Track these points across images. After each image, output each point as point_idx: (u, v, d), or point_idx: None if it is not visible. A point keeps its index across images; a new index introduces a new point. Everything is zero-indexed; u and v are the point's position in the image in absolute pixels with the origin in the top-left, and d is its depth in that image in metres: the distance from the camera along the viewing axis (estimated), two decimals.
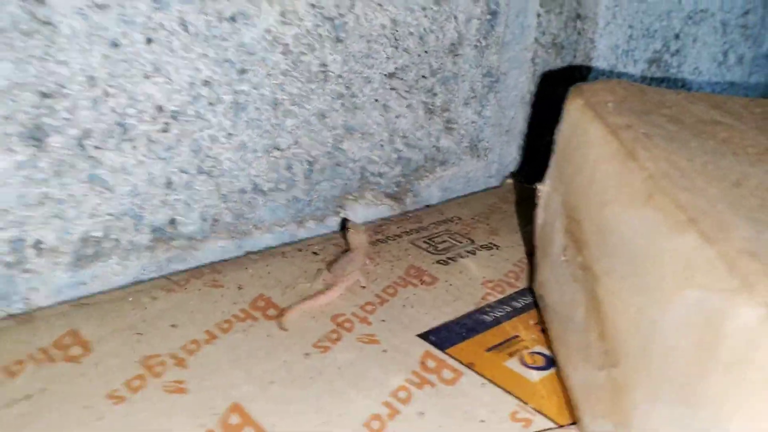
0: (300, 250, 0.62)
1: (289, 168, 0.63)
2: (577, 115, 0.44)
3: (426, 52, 0.68)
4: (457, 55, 0.71)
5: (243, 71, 0.56)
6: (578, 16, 0.80)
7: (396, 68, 0.67)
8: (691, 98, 0.47)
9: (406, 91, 0.68)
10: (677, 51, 0.93)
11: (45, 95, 0.48)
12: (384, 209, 0.72)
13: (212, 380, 0.44)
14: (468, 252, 0.62)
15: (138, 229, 0.55)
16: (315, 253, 0.61)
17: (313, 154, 0.64)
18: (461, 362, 0.46)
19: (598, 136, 0.39)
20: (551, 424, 0.41)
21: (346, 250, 0.61)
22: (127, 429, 0.40)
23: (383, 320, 0.51)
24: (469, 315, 0.52)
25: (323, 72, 0.61)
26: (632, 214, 0.33)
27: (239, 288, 0.55)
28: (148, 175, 0.54)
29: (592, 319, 0.38)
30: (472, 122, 0.76)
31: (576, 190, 0.42)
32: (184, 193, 0.57)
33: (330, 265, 0.58)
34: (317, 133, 0.63)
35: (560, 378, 0.44)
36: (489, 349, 0.48)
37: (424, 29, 0.67)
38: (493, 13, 0.72)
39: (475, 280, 0.58)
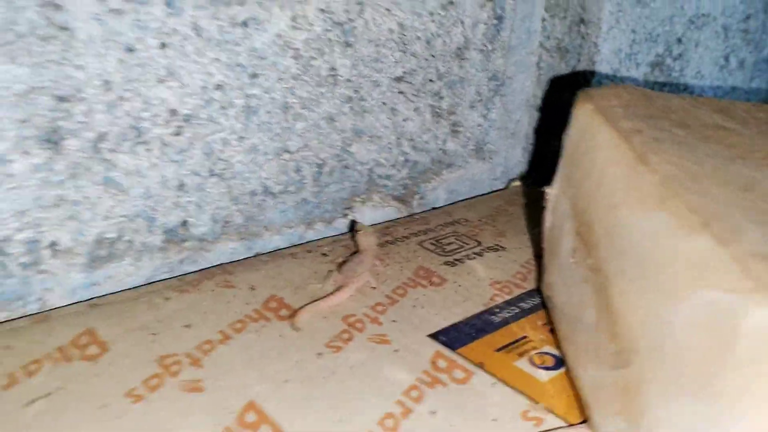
0: (309, 252, 0.63)
1: (298, 170, 0.63)
2: (585, 120, 0.45)
3: (433, 56, 0.69)
4: (463, 59, 0.72)
5: (254, 75, 0.57)
6: (582, 21, 0.81)
7: (404, 72, 0.67)
8: (695, 103, 0.48)
9: (414, 95, 0.69)
10: (679, 55, 0.94)
11: (61, 99, 0.49)
12: (391, 211, 0.73)
13: (228, 379, 0.45)
14: (475, 254, 0.63)
15: (151, 231, 0.56)
16: (324, 255, 0.62)
17: (322, 156, 0.65)
18: (472, 362, 0.47)
19: (608, 140, 0.40)
20: (562, 423, 0.42)
21: (356, 251, 0.61)
22: (147, 427, 0.40)
23: (394, 320, 0.52)
24: (477, 315, 0.53)
25: (333, 76, 0.62)
26: (644, 216, 0.33)
27: (251, 289, 0.55)
28: (161, 177, 0.55)
29: (602, 319, 0.39)
30: (478, 125, 0.77)
31: (585, 193, 0.43)
32: (195, 196, 0.58)
33: (340, 266, 0.58)
34: (326, 136, 0.64)
35: (569, 377, 0.45)
36: (498, 350, 0.49)
37: (432, 34, 0.68)
38: (499, 18, 0.73)
39: (483, 281, 0.58)
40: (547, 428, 0.41)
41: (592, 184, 0.42)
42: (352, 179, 0.68)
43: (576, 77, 0.84)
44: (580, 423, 0.41)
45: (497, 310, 0.54)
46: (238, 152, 0.59)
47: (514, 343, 0.50)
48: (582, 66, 0.84)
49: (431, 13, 0.67)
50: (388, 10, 0.63)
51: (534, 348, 0.49)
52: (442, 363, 0.47)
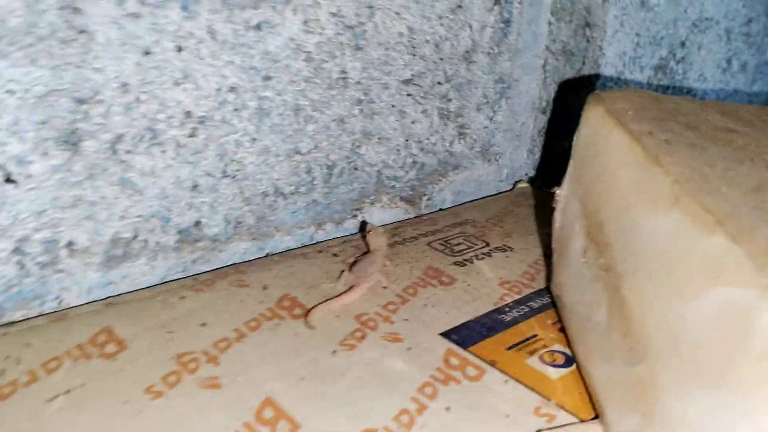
0: (320, 252, 0.63)
1: (309, 172, 0.64)
2: (596, 122, 0.46)
3: (441, 59, 0.70)
4: (471, 62, 0.73)
5: (267, 78, 0.58)
6: (587, 25, 0.82)
7: (412, 75, 0.68)
8: (703, 106, 0.49)
9: (422, 97, 0.70)
10: (683, 58, 0.95)
11: (80, 101, 0.49)
12: (399, 212, 0.73)
13: (244, 376, 0.45)
14: (483, 254, 0.64)
15: (165, 231, 0.57)
16: (335, 255, 0.63)
17: (332, 158, 0.65)
18: (484, 360, 0.48)
19: (620, 142, 0.41)
20: (574, 419, 0.43)
21: (366, 251, 0.62)
22: (167, 422, 0.41)
23: (405, 319, 0.53)
24: (488, 315, 0.54)
25: (343, 79, 0.63)
26: (658, 216, 0.34)
27: (264, 288, 0.56)
28: (176, 178, 0.56)
29: (614, 317, 0.40)
30: (484, 127, 0.78)
31: (597, 194, 0.44)
32: (209, 196, 0.58)
33: (351, 266, 0.59)
34: (336, 138, 0.65)
35: (580, 375, 0.46)
36: (509, 348, 0.50)
37: (440, 37, 0.69)
38: (506, 22, 0.74)
39: (492, 281, 0.59)
40: (560, 424, 0.42)
41: (604, 185, 0.43)
42: (361, 180, 0.69)
43: (581, 80, 0.85)
44: (592, 419, 0.42)
45: (507, 309, 0.55)
46: (251, 153, 0.60)
47: (524, 341, 0.51)
48: (587, 69, 0.85)
49: (440, 17, 0.68)
50: (397, 13, 0.64)
51: (544, 346, 0.50)
52: (454, 361, 0.48)
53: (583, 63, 0.85)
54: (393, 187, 0.71)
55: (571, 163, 0.50)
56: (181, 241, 0.58)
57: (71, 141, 0.50)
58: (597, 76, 0.86)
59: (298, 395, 0.44)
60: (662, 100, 0.48)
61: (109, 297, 0.55)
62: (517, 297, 0.57)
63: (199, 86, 0.55)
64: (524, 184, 0.83)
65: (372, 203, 0.70)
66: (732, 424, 0.28)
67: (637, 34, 0.88)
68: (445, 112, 0.73)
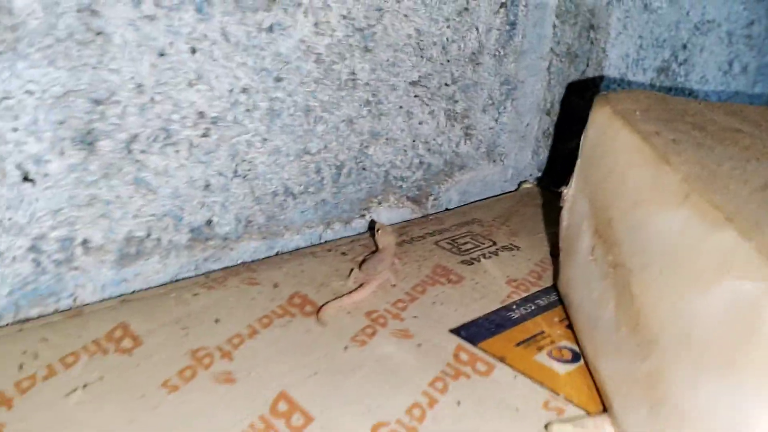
0: (329, 251, 0.64)
1: (318, 172, 0.65)
2: (603, 123, 0.47)
3: (448, 60, 0.71)
4: (477, 64, 0.73)
5: (278, 79, 0.59)
6: (591, 27, 0.83)
7: (420, 76, 0.69)
8: (709, 107, 0.50)
9: (429, 98, 0.71)
10: (685, 60, 0.96)
11: (97, 102, 0.50)
12: (405, 212, 0.74)
13: (258, 371, 0.46)
14: (491, 253, 0.65)
15: (177, 230, 0.58)
16: (344, 254, 0.64)
17: (340, 158, 0.66)
18: (493, 356, 0.49)
19: (629, 142, 0.42)
20: (582, 413, 0.43)
21: (375, 250, 0.63)
22: (184, 415, 0.42)
23: (415, 316, 0.54)
24: (496, 312, 0.55)
25: (352, 80, 0.64)
26: (668, 213, 0.35)
27: (274, 286, 0.57)
28: (189, 177, 0.57)
29: (623, 313, 0.41)
30: (490, 128, 0.79)
31: (605, 193, 0.45)
32: (221, 196, 0.59)
33: (360, 264, 0.60)
34: (345, 138, 0.66)
35: (588, 370, 0.47)
36: (518, 344, 0.51)
37: (447, 39, 0.70)
38: (512, 24, 0.75)
39: (499, 279, 0.60)
40: (569, 417, 0.43)
41: (612, 184, 0.44)
42: (369, 180, 0.70)
43: (585, 82, 0.86)
44: (600, 413, 0.43)
45: (514, 306, 0.56)
46: (262, 154, 0.61)
47: (532, 338, 0.52)
48: (591, 71, 0.86)
49: (447, 19, 0.69)
50: (406, 16, 0.65)
51: (552, 343, 0.51)
52: (464, 356, 0.49)
53: (587, 65, 0.86)
54: (400, 187, 0.72)
55: (579, 162, 0.51)
56: (193, 240, 0.59)
57: (87, 141, 0.51)
58: (600, 78, 0.87)
59: (311, 389, 0.45)
60: (668, 101, 0.49)
61: (123, 294, 0.56)
62: (524, 295, 0.58)
63: (212, 87, 0.55)
64: (529, 185, 0.84)
65: (379, 203, 0.71)
66: (743, 411, 0.29)
67: (640, 37, 0.89)
68: (452, 113, 0.74)
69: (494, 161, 0.81)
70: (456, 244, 0.66)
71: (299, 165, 0.63)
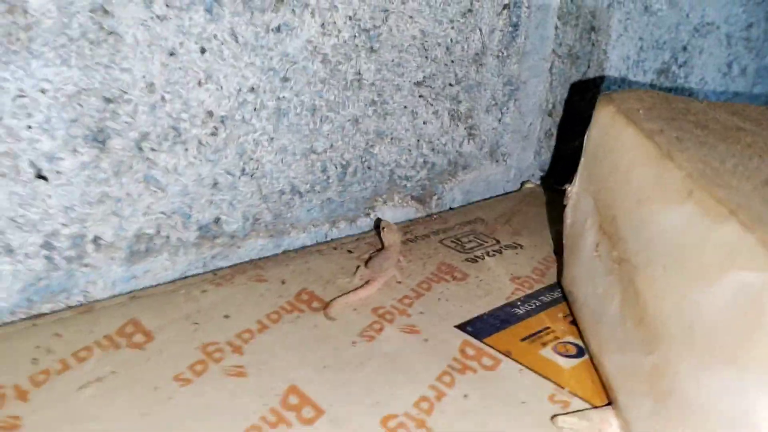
0: (335, 249, 0.65)
1: (324, 171, 0.66)
2: (607, 121, 0.48)
3: (452, 61, 0.72)
4: (480, 65, 0.74)
5: (286, 79, 0.60)
6: (593, 29, 0.84)
7: (424, 77, 0.70)
8: (711, 106, 0.51)
9: (433, 99, 0.72)
10: (684, 62, 0.97)
11: (108, 100, 0.51)
12: (410, 211, 0.75)
13: (268, 365, 0.47)
14: (494, 251, 0.66)
15: (186, 227, 0.59)
16: (350, 251, 0.65)
17: (346, 157, 0.67)
18: (499, 351, 0.50)
19: (633, 139, 0.43)
20: (587, 405, 0.44)
21: (380, 248, 0.64)
22: (197, 407, 0.43)
23: (421, 312, 0.55)
24: (501, 308, 0.56)
25: (358, 80, 0.65)
26: (673, 208, 0.36)
27: (282, 283, 0.58)
28: (197, 176, 0.58)
29: (628, 308, 0.41)
30: (493, 128, 0.80)
31: (610, 190, 0.46)
32: (228, 194, 0.60)
33: (366, 261, 0.61)
34: (351, 137, 0.67)
35: (593, 365, 0.48)
36: (523, 339, 0.52)
37: (451, 40, 0.71)
38: (515, 26, 0.76)
39: (503, 276, 0.61)
40: (574, 409, 0.44)
41: (617, 181, 0.45)
42: (374, 179, 0.70)
43: (586, 83, 0.87)
44: (605, 405, 0.44)
45: (519, 303, 0.57)
46: (269, 152, 0.61)
47: (537, 333, 0.53)
48: (592, 72, 0.87)
49: (451, 21, 0.70)
50: (411, 17, 0.66)
51: (556, 338, 0.52)
52: (470, 351, 0.50)
53: (588, 66, 0.87)
54: (404, 186, 0.73)
55: (582, 161, 0.52)
56: (201, 237, 0.60)
57: (99, 139, 0.52)
58: (601, 79, 0.88)
59: (321, 383, 0.46)
60: (671, 101, 0.50)
61: (132, 291, 0.57)
62: (528, 292, 0.59)
63: (220, 86, 0.56)
64: (531, 184, 0.84)
65: (384, 202, 0.72)
66: (748, 401, 0.30)
67: (641, 38, 0.90)
68: (456, 114, 0.75)
69: (497, 161, 0.82)
70: (460, 243, 0.67)
71: (305, 164, 0.64)
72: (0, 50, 0.46)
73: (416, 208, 0.76)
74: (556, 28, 0.81)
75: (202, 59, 0.55)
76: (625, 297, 0.42)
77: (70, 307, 0.54)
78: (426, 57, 0.69)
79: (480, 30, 0.73)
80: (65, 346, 0.48)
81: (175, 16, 0.52)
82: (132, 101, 0.52)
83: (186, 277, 0.59)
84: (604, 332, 0.46)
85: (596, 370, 0.47)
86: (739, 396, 0.30)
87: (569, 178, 0.55)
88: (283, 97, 0.60)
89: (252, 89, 0.58)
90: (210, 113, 0.56)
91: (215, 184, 0.59)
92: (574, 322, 0.53)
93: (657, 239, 0.38)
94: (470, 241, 0.68)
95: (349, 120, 0.66)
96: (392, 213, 0.73)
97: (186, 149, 0.56)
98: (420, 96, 0.71)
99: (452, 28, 0.70)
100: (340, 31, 0.62)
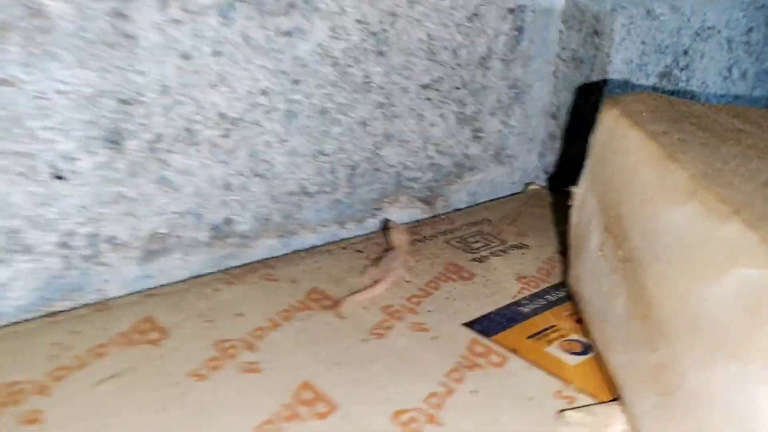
0: (344, 248, 0.66)
1: (333, 172, 0.67)
2: (612, 124, 0.49)
3: (459, 65, 0.73)
4: (486, 68, 0.76)
5: (296, 82, 0.61)
6: (596, 33, 0.85)
7: (431, 80, 0.71)
8: (713, 108, 0.52)
9: (440, 101, 0.73)
10: (686, 66, 0.98)
11: (124, 102, 0.52)
12: (416, 212, 0.76)
13: (282, 362, 0.48)
14: (500, 251, 0.67)
15: (199, 227, 0.60)
16: (359, 251, 0.66)
17: (355, 159, 0.68)
18: (506, 348, 0.51)
19: (637, 141, 0.44)
20: (593, 401, 0.45)
21: (389, 248, 0.65)
22: (213, 402, 0.44)
23: (429, 311, 0.56)
24: (507, 307, 0.57)
25: (366, 83, 0.66)
26: (677, 208, 0.37)
27: (292, 282, 0.59)
28: (210, 177, 0.59)
29: (633, 305, 0.43)
30: (498, 131, 0.81)
31: (615, 190, 0.47)
32: (240, 195, 0.61)
33: (375, 261, 0.62)
34: (359, 139, 0.68)
35: (598, 362, 0.49)
36: (529, 337, 0.53)
37: (458, 44, 0.72)
38: (519, 29, 0.77)
39: (510, 276, 0.62)
40: (580, 405, 0.45)
41: (621, 182, 0.46)
42: (382, 181, 0.72)
43: (590, 87, 0.88)
44: (611, 401, 0.45)
45: (525, 302, 0.58)
46: (280, 154, 0.63)
47: (543, 331, 0.54)
48: (595, 76, 0.88)
49: (458, 25, 0.71)
50: (418, 21, 0.67)
51: (562, 336, 0.53)
52: (478, 348, 0.51)
53: (592, 70, 0.88)
54: (411, 187, 0.74)
55: (588, 162, 0.53)
56: (213, 237, 0.61)
57: (115, 140, 0.53)
58: (605, 83, 0.89)
59: (333, 379, 0.47)
60: (674, 103, 0.51)
61: (146, 290, 0.58)
62: (534, 291, 0.60)
63: (233, 89, 0.57)
64: (535, 186, 0.86)
65: (391, 203, 0.73)
66: (753, 396, 0.31)
67: (643, 42, 0.91)
68: (462, 116, 0.76)
69: (502, 163, 0.83)
70: (466, 243, 0.68)
71: (315, 165, 0.65)
72: (20, 53, 0.47)
73: (423, 210, 0.77)
74: (560, 32, 0.82)
75: (216, 62, 0.56)
76: (630, 295, 0.43)
77: (85, 305, 0.55)
78: (433, 60, 0.70)
79: (486, 33, 0.74)
80: (82, 343, 0.49)
81: (190, 20, 0.53)
82: (146, 103, 0.53)
83: (198, 277, 0.61)
84: (609, 329, 0.47)
85: (602, 367, 0.48)
86: (742, 389, 0.31)
87: (574, 179, 0.56)
88: (294, 99, 0.62)
89: (263, 92, 0.59)
90: (222, 115, 0.58)
91: (227, 185, 0.60)
92: (580, 321, 0.55)
93: (662, 238, 0.39)
94: (476, 242, 0.69)
95: (357, 122, 0.67)
96: (399, 214, 0.74)
97: (199, 150, 0.57)
98: (427, 99, 0.72)
99: (459, 31, 0.71)
100: (349, 35, 0.63)
